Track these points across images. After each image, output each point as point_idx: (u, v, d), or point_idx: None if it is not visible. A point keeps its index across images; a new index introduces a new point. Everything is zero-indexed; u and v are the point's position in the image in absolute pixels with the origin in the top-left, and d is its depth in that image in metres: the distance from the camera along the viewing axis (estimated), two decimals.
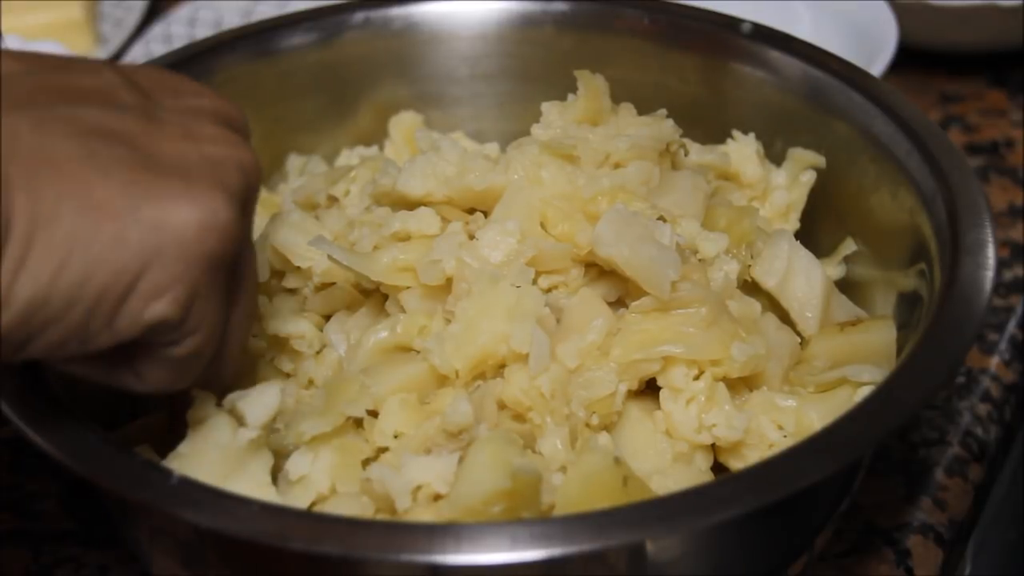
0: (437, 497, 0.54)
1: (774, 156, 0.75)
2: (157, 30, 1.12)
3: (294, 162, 0.80)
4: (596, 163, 0.65)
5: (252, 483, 0.55)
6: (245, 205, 0.50)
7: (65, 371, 0.51)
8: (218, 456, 0.55)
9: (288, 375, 0.65)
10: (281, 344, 0.65)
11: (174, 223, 0.46)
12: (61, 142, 0.44)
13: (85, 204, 0.44)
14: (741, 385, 0.61)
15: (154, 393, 0.52)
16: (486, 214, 0.65)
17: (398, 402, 0.59)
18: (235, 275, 0.52)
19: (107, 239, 0.44)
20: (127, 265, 0.45)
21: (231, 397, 0.56)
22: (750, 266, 0.65)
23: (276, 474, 0.59)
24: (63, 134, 0.45)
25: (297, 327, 0.64)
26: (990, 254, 0.58)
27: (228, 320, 0.53)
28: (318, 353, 0.65)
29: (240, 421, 0.55)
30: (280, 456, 0.58)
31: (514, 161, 0.64)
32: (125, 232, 0.44)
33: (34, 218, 0.43)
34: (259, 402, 0.55)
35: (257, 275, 0.57)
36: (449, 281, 0.61)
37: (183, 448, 0.55)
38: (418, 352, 0.61)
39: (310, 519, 0.50)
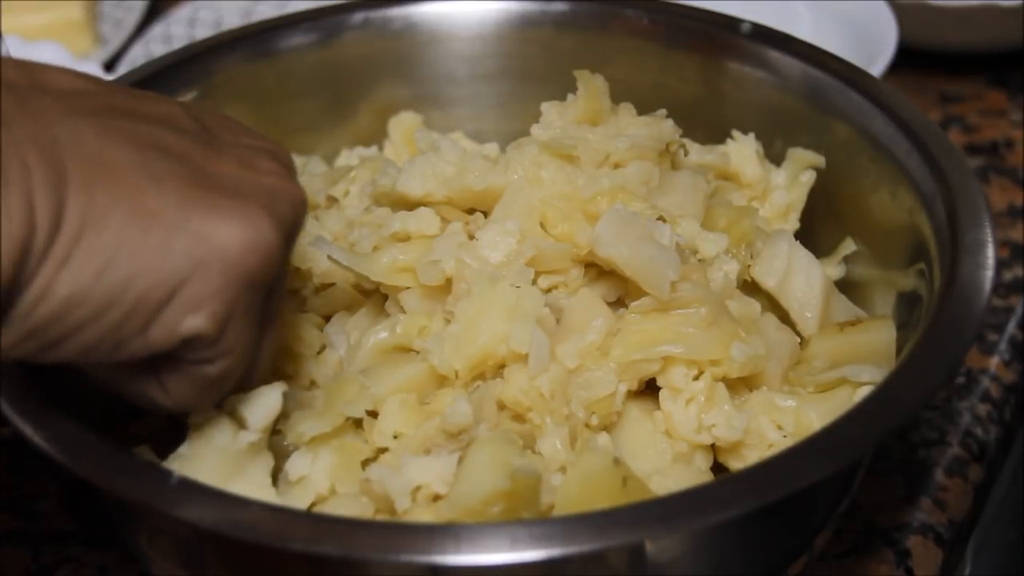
0: (436, 497, 0.54)
1: (774, 156, 0.75)
2: (157, 30, 1.12)
3: (294, 162, 0.80)
4: (596, 163, 0.65)
5: (252, 485, 0.55)
6: (289, 237, 0.51)
7: (91, 376, 0.51)
8: (218, 458, 0.55)
9: (289, 376, 0.65)
10: (282, 344, 0.65)
11: (220, 238, 0.46)
12: (121, 150, 0.45)
13: (136, 210, 0.44)
14: (741, 385, 0.61)
15: (174, 409, 0.53)
16: (486, 214, 0.65)
17: (398, 402, 0.59)
18: (270, 302, 0.52)
19: (153, 246, 0.45)
20: (169, 274, 0.45)
21: (232, 399, 0.56)
22: (750, 266, 0.65)
23: (276, 475, 0.59)
24: (124, 143, 0.46)
25: (296, 329, 0.64)
26: (990, 254, 0.58)
27: (259, 345, 0.53)
28: (318, 354, 0.65)
29: (241, 424, 0.55)
30: (280, 457, 0.58)
31: (514, 161, 0.64)
32: (171, 241, 0.45)
33: (85, 217, 0.43)
34: (260, 405, 0.55)
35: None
36: (449, 281, 0.61)
37: (183, 450, 0.55)
38: (418, 352, 0.61)
39: (310, 520, 0.50)
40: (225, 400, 0.56)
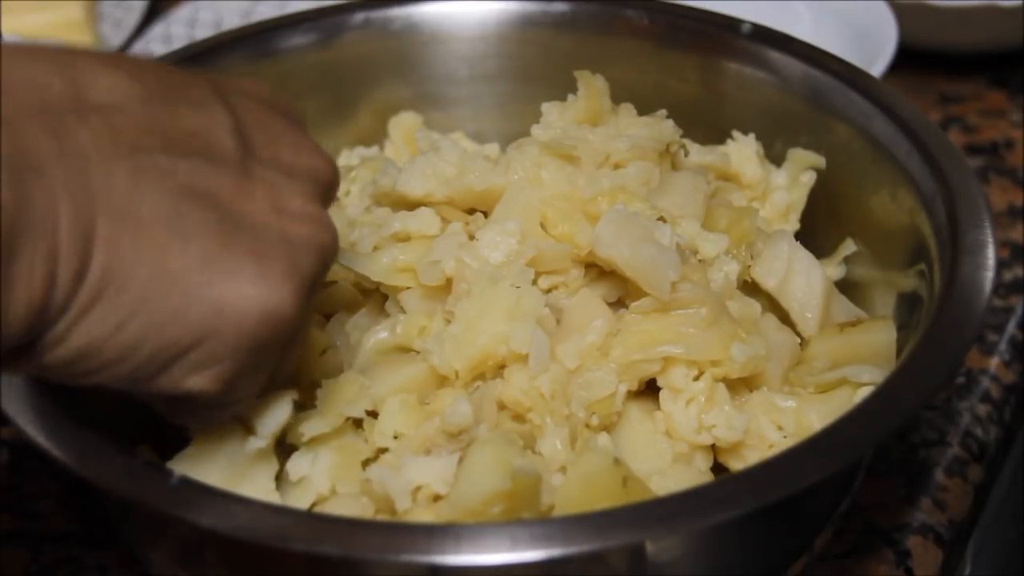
0: (437, 498, 0.54)
1: (774, 157, 0.75)
2: (157, 30, 1.12)
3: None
4: (596, 163, 0.65)
5: (257, 491, 0.55)
6: (313, 288, 0.50)
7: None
8: (225, 462, 0.55)
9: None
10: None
11: (238, 308, 0.46)
12: (151, 196, 0.44)
13: (159, 272, 0.44)
14: (741, 386, 0.61)
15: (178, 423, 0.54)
16: (486, 214, 0.65)
17: (398, 403, 0.59)
18: (288, 346, 0.52)
19: (170, 310, 0.45)
20: (182, 338, 0.45)
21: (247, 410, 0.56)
22: (750, 267, 0.65)
23: (277, 476, 0.59)
24: (155, 188, 0.44)
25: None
26: (990, 255, 0.58)
27: (278, 372, 0.53)
28: (322, 354, 0.65)
29: (250, 430, 0.55)
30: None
31: (514, 161, 0.64)
32: (189, 307, 0.45)
33: (107, 276, 0.43)
34: (271, 413, 0.55)
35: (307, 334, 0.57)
36: (449, 281, 0.61)
37: (190, 451, 0.55)
38: (418, 352, 0.61)
39: (310, 520, 0.50)
40: None
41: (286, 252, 0.48)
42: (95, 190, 0.43)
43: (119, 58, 0.48)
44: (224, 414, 0.53)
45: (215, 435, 0.55)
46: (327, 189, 0.52)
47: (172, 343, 0.45)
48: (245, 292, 0.46)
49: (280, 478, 0.58)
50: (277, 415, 0.55)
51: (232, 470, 0.55)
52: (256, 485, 0.56)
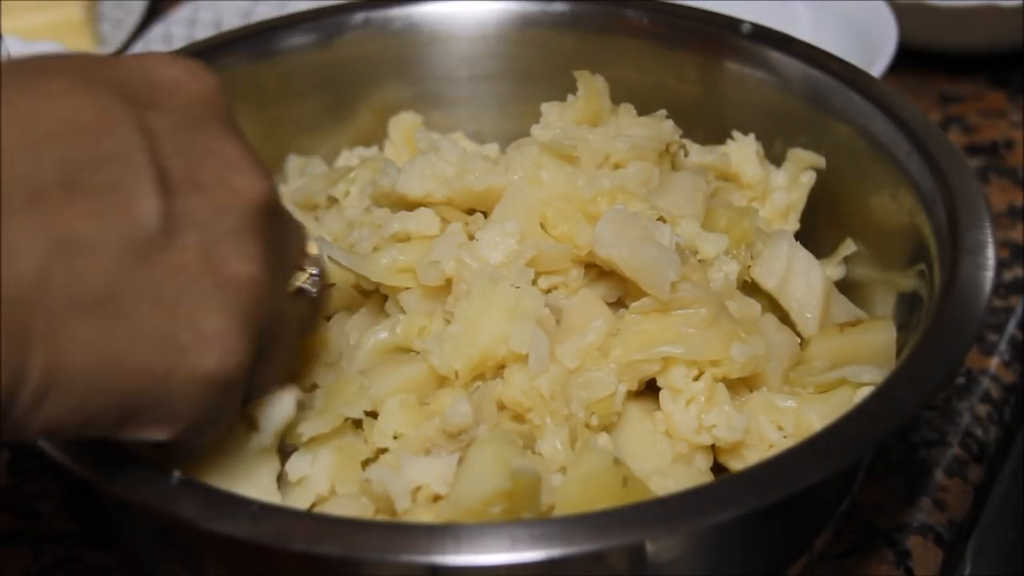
0: (437, 498, 0.54)
1: (774, 157, 0.75)
2: (157, 31, 1.12)
3: (294, 163, 0.80)
4: (596, 164, 0.65)
5: (259, 490, 0.55)
6: (260, 313, 0.48)
7: None
8: (228, 460, 0.55)
9: (294, 376, 0.64)
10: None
11: (184, 376, 0.46)
12: (85, 281, 0.42)
13: (103, 358, 0.43)
14: (741, 386, 0.61)
15: None
16: (486, 215, 0.65)
17: (397, 403, 0.59)
18: (268, 353, 0.52)
19: (120, 390, 0.44)
20: (134, 408, 0.46)
21: (251, 407, 0.56)
22: (750, 267, 0.65)
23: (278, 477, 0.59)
24: (87, 270, 0.42)
25: (323, 332, 0.64)
26: (990, 255, 0.58)
27: (267, 373, 0.53)
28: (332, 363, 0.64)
29: (253, 426, 0.55)
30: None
31: (514, 162, 0.64)
32: (139, 386, 0.45)
33: (51, 372, 0.42)
34: (275, 409, 0.56)
35: (295, 334, 0.56)
36: (449, 282, 0.61)
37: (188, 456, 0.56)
38: (418, 353, 0.61)
39: (310, 520, 0.50)
40: None
41: (222, 302, 0.46)
42: (26, 284, 0.41)
43: (18, 106, 0.42)
44: (190, 446, 0.53)
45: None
46: (259, 210, 0.48)
47: (125, 413, 0.45)
48: (190, 360, 0.46)
49: (280, 478, 0.58)
50: (281, 412, 0.55)
51: (235, 468, 0.55)
52: (258, 484, 0.56)
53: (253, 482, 0.56)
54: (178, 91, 0.47)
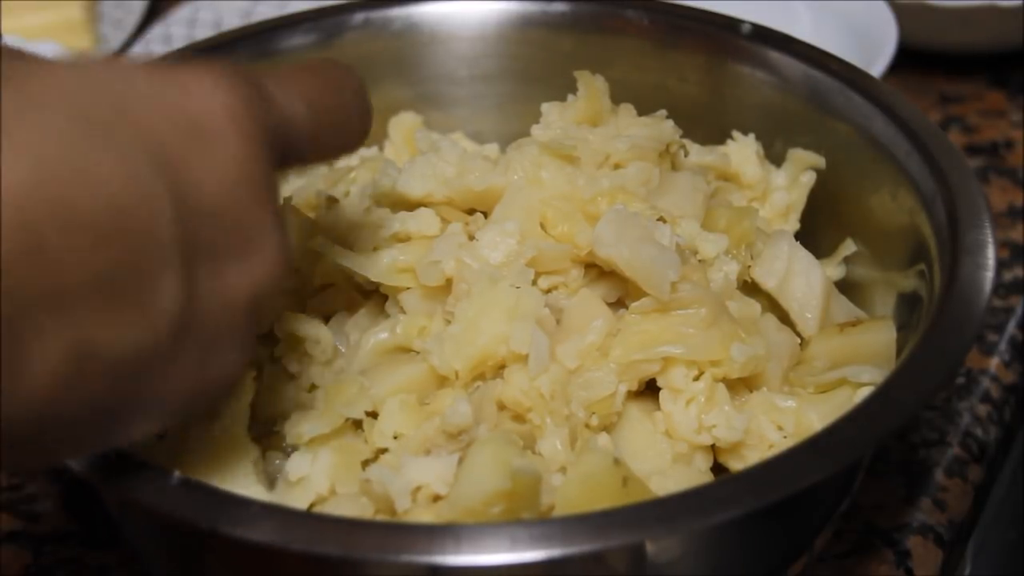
0: (437, 498, 0.54)
1: (774, 157, 0.75)
2: (157, 31, 1.12)
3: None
4: (596, 164, 0.65)
5: (234, 476, 0.55)
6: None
7: None
8: (196, 450, 0.55)
9: (293, 376, 0.65)
10: (294, 344, 0.65)
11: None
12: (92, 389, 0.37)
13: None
14: (741, 386, 0.61)
15: None
16: (486, 215, 0.65)
17: (398, 403, 0.59)
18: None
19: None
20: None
21: None
22: (750, 267, 0.65)
23: (276, 476, 0.59)
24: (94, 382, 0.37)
25: (315, 331, 0.64)
26: (990, 255, 0.58)
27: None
28: (327, 361, 0.64)
29: (213, 416, 0.56)
30: (268, 451, 0.58)
31: (514, 162, 0.64)
32: None
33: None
34: (232, 394, 0.56)
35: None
36: (449, 282, 0.61)
37: (163, 445, 0.56)
38: (418, 353, 0.61)
39: (310, 520, 0.50)
40: None
41: (205, 399, 0.43)
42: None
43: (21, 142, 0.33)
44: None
45: (182, 424, 0.56)
46: (264, 295, 0.42)
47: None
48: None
49: (279, 478, 0.58)
50: (236, 392, 0.55)
51: (206, 457, 0.55)
52: (234, 472, 0.56)
53: (228, 471, 0.55)
54: (218, 143, 0.39)
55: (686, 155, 0.71)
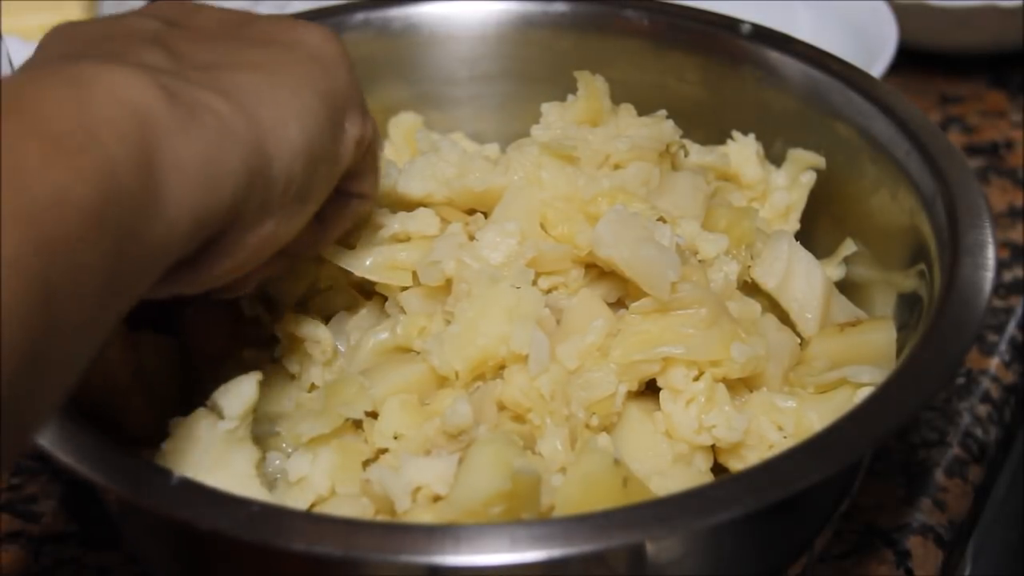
0: (437, 498, 0.54)
1: (774, 157, 0.75)
2: None
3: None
4: (596, 164, 0.65)
5: (235, 476, 0.55)
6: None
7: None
8: (200, 450, 0.55)
9: (293, 376, 0.65)
10: (294, 345, 0.65)
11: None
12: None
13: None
14: (741, 386, 0.61)
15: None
16: (486, 215, 0.65)
17: (398, 403, 0.59)
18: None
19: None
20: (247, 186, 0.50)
21: (214, 395, 0.56)
22: (750, 267, 0.65)
23: (276, 476, 0.59)
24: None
25: (316, 331, 0.64)
26: (990, 255, 0.58)
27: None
28: (328, 362, 0.64)
29: (219, 414, 0.56)
30: (268, 451, 0.58)
31: (514, 162, 0.64)
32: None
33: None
34: (236, 394, 0.56)
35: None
36: (449, 282, 0.61)
37: (166, 446, 0.56)
38: (418, 353, 0.61)
39: (310, 520, 0.50)
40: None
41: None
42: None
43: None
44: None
45: (188, 425, 0.56)
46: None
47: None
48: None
49: (279, 478, 0.58)
50: (243, 396, 0.55)
51: (208, 457, 0.55)
52: (233, 471, 0.55)
53: (229, 469, 0.55)
54: (341, 67, 0.56)
55: (686, 155, 0.71)
